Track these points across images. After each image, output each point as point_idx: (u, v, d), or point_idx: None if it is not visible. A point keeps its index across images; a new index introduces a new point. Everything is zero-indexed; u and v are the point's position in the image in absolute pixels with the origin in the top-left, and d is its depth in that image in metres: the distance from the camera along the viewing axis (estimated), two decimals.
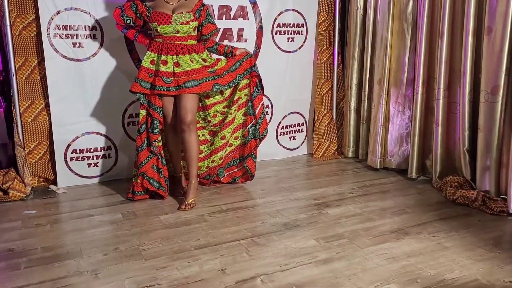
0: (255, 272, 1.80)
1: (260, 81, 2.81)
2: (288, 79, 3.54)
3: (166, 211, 2.48)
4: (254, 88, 2.78)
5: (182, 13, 2.48)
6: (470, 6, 2.51)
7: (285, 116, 3.62)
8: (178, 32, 2.48)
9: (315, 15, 3.51)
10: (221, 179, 2.93)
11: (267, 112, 3.48)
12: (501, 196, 2.52)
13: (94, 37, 2.81)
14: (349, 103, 3.52)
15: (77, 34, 2.77)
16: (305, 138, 3.76)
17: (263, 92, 2.84)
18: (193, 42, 2.56)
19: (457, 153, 2.78)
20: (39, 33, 2.68)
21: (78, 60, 2.79)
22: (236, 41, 3.25)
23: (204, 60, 2.58)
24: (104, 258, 1.94)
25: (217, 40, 3.16)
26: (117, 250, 2.01)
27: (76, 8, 2.74)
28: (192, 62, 2.52)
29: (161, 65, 2.47)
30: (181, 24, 2.46)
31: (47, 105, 2.77)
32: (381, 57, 3.13)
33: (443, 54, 2.71)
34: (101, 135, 2.93)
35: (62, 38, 2.73)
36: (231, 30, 3.23)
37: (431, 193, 2.76)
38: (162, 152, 2.61)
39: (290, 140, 3.70)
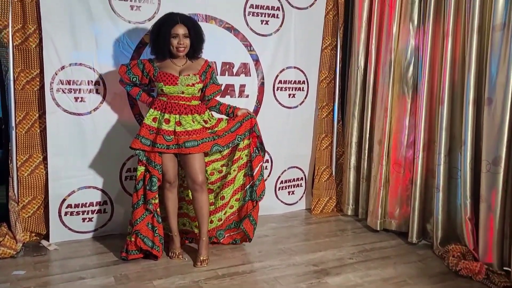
0: None
1: (261, 142, 2.80)
2: (289, 134, 3.55)
3: (160, 275, 2.40)
4: (254, 149, 2.76)
5: (189, 75, 2.51)
6: (470, 77, 2.54)
7: (284, 170, 3.60)
8: (183, 92, 2.51)
9: (316, 72, 3.56)
10: (221, 241, 2.85)
11: (266, 166, 3.46)
12: (505, 268, 2.46)
13: (96, 92, 2.83)
14: (348, 160, 3.51)
15: (80, 89, 2.78)
16: (304, 193, 3.72)
17: (264, 154, 2.82)
18: (196, 102, 2.58)
19: (459, 220, 2.74)
20: (42, 87, 2.70)
21: (79, 114, 2.79)
22: (238, 97, 3.28)
23: (206, 121, 2.60)
24: None
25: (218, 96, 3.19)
26: None
27: (80, 64, 2.76)
28: (194, 123, 2.53)
29: (163, 123, 2.48)
30: (186, 85, 2.50)
31: (44, 158, 2.75)
32: (382, 118, 3.15)
33: (443, 121, 2.73)
34: (97, 189, 2.89)
35: (64, 93, 2.74)
36: (233, 86, 3.26)
37: (432, 261, 2.70)
38: (158, 209, 2.57)
39: (289, 194, 3.66)
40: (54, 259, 2.58)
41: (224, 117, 2.76)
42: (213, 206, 2.79)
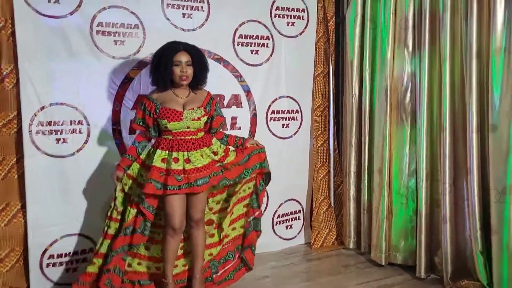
0: None
1: (269, 177, 2.68)
2: (284, 165, 3.39)
3: None
4: (261, 181, 2.65)
5: (193, 108, 2.38)
6: (472, 103, 2.44)
7: (281, 204, 3.44)
8: (188, 127, 2.37)
9: (309, 100, 3.45)
10: (214, 277, 2.65)
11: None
12: None
13: (79, 132, 2.67)
14: (348, 191, 3.36)
15: (61, 130, 2.62)
16: (302, 226, 3.55)
17: (266, 187, 2.73)
18: (202, 134, 2.45)
19: (469, 253, 2.59)
20: (19, 130, 2.52)
21: (61, 156, 2.62)
22: (230, 129, 3.14)
23: (215, 153, 2.46)
24: None
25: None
26: None
27: (62, 103, 2.61)
28: (203, 157, 2.39)
29: (172, 162, 2.32)
30: (192, 120, 2.36)
31: (23, 206, 2.54)
32: (380, 146, 3.03)
33: (446, 148, 2.61)
34: (83, 236, 2.69)
35: (45, 135, 2.57)
36: (224, 119, 3.11)
37: None
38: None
39: (287, 229, 3.48)
40: None
41: (231, 147, 2.62)
42: (216, 237, 2.67)
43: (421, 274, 2.79)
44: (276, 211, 3.41)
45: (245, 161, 2.55)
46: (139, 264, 2.52)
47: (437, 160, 2.75)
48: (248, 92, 3.21)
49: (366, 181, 3.21)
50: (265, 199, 3.32)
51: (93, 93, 2.69)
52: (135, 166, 2.41)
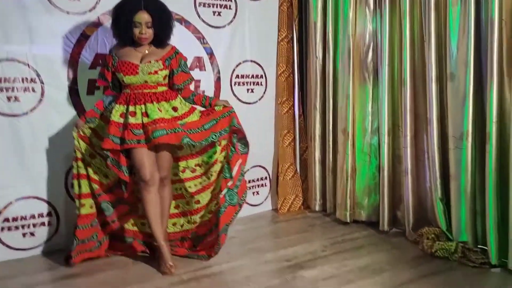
0: None
1: (243, 137, 2.49)
2: (249, 131, 3.30)
3: (118, 285, 2.13)
4: (231, 147, 2.45)
5: (150, 62, 2.28)
6: (431, 53, 2.50)
7: (248, 170, 3.42)
8: (146, 82, 2.28)
9: (274, 66, 3.44)
10: (197, 248, 2.55)
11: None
12: (479, 246, 2.40)
13: (33, 90, 2.53)
14: (313, 154, 3.38)
15: (13, 87, 2.47)
16: (269, 193, 3.55)
17: (247, 149, 2.52)
18: (163, 88, 2.34)
19: (430, 202, 2.67)
20: None
21: (13, 115, 2.48)
22: None
23: (175, 108, 2.33)
24: None
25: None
26: None
27: (13, 59, 2.47)
28: (161, 111, 2.28)
29: (129, 116, 2.23)
30: (149, 74, 2.26)
31: None
32: (344, 106, 3.06)
33: (407, 101, 2.67)
34: (39, 199, 2.57)
35: None
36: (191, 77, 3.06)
37: (407, 247, 2.60)
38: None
39: (254, 195, 3.47)
40: None
41: (198, 108, 2.49)
42: (189, 206, 2.57)
43: (384, 227, 2.85)
44: None
45: (211, 125, 2.41)
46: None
47: (399, 117, 2.81)
48: (211, 55, 3.16)
49: (331, 143, 3.24)
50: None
51: (46, 50, 2.56)
52: (98, 121, 2.36)
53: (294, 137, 3.56)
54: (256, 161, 3.44)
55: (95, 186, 2.36)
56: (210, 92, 3.17)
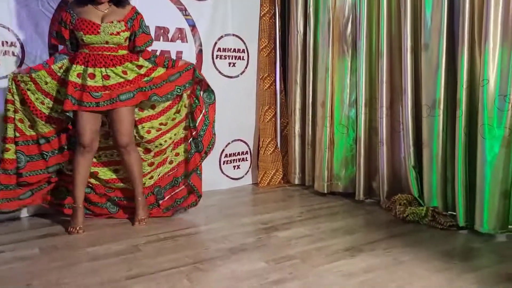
0: None
1: (207, 86, 2.61)
2: (230, 104, 3.40)
3: (93, 242, 2.16)
4: (194, 99, 2.58)
5: (112, 22, 2.27)
6: (407, 25, 2.57)
7: (228, 143, 3.46)
8: (107, 42, 2.27)
9: (255, 40, 3.48)
10: (160, 203, 2.62)
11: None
12: (449, 212, 2.48)
13: (13, 54, 2.53)
14: (293, 128, 3.44)
15: None
16: (249, 167, 3.60)
17: (214, 98, 2.65)
18: (124, 52, 2.35)
19: (403, 171, 2.75)
20: None
21: None
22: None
23: (139, 67, 2.36)
24: None
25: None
26: (29, 286, 1.66)
27: None
28: (126, 74, 2.30)
29: (88, 79, 2.23)
30: (110, 34, 2.26)
31: None
32: (323, 79, 3.12)
33: (383, 73, 2.73)
34: None
35: None
36: (169, 53, 3.08)
37: (379, 213, 2.68)
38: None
39: (234, 169, 3.52)
40: None
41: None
42: (153, 166, 2.59)
43: (360, 197, 2.93)
44: (223, 150, 3.43)
45: (176, 77, 2.46)
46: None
47: (376, 89, 2.88)
48: (193, 27, 3.18)
49: (310, 116, 3.30)
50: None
51: (27, 15, 2.56)
52: (43, 73, 2.30)
53: (275, 113, 3.61)
54: (237, 135, 3.49)
55: (17, 134, 2.31)
56: None
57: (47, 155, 2.37)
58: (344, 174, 3.10)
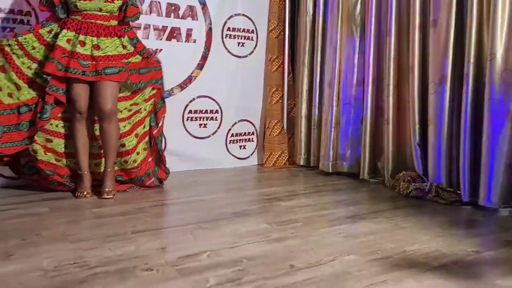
0: (200, 249, 1.58)
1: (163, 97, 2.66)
2: (239, 84, 3.45)
3: (100, 205, 2.20)
4: (159, 99, 2.61)
5: None
6: (416, 2, 2.57)
7: (235, 123, 3.49)
8: (100, 10, 2.27)
9: (265, 21, 3.50)
10: (147, 184, 2.58)
11: (215, 117, 3.36)
12: (455, 192, 2.48)
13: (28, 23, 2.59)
14: (300, 109, 3.46)
15: (8, 18, 2.53)
16: (255, 148, 3.62)
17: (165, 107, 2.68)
18: (115, 23, 2.36)
19: (409, 149, 2.75)
20: None
21: None
22: (185, 41, 3.14)
23: (123, 46, 2.37)
24: (21, 243, 1.63)
25: (164, 38, 3.05)
26: (38, 236, 1.70)
27: None
28: (113, 49, 2.30)
29: (78, 45, 2.22)
30: (105, 1, 2.26)
31: None
32: (331, 59, 3.14)
33: (391, 51, 2.74)
34: None
35: None
36: (180, 30, 3.13)
37: (383, 191, 2.69)
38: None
39: (240, 149, 3.55)
40: None
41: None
42: (124, 148, 2.48)
43: (364, 175, 2.94)
44: (229, 129, 3.46)
45: (145, 72, 2.47)
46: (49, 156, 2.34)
47: (383, 69, 2.89)
48: (203, 5, 3.21)
49: (317, 97, 3.32)
50: (218, 116, 3.38)
51: None
52: (30, 37, 2.26)
53: (282, 95, 3.64)
54: (243, 115, 3.52)
55: None
56: (201, 42, 3.23)
57: (26, 125, 2.27)
58: (349, 154, 3.12)
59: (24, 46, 2.25)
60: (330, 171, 3.13)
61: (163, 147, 2.71)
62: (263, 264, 1.44)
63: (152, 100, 2.59)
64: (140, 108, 2.56)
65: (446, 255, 1.56)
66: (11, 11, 2.54)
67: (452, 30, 2.39)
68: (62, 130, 2.35)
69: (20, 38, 2.24)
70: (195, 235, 1.75)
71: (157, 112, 2.62)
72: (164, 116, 2.68)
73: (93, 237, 1.69)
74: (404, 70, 2.77)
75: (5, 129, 2.23)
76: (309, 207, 2.22)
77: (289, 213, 2.11)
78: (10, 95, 2.26)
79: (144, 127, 2.60)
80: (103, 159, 2.42)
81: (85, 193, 2.32)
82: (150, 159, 2.63)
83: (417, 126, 2.63)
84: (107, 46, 2.27)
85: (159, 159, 2.67)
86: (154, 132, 2.62)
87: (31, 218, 1.95)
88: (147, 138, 2.63)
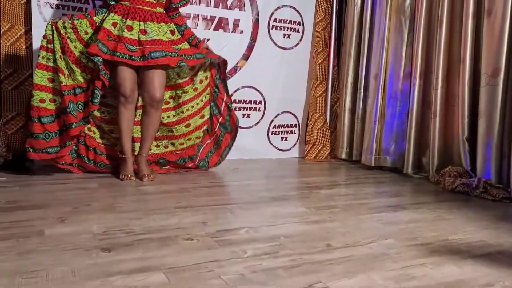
0: (239, 225, 1.62)
1: (225, 77, 2.73)
2: (283, 76, 3.47)
3: (146, 184, 2.30)
4: (214, 88, 2.71)
5: None
6: None
7: (278, 114, 3.52)
8: None
9: (312, 13, 3.50)
10: (189, 166, 2.71)
11: (258, 108, 3.39)
12: (505, 189, 2.37)
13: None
14: (343, 102, 3.43)
15: (67, 5, 2.70)
16: (297, 141, 3.63)
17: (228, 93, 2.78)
18: (161, 10, 2.40)
19: (456, 144, 2.66)
20: (28, 1, 2.61)
21: None
22: (232, 31, 3.21)
23: (172, 32, 2.41)
24: (73, 210, 1.74)
25: (212, 28, 3.13)
26: (88, 206, 1.81)
27: None
28: (160, 32, 2.34)
29: (125, 30, 2.26)
30: None
31: (30, 75, 2.64)
32: (378, 51, 3.09)
33: (441, 43, 2.66)
34: None
35: (52, 8, 2.65)
36: (227, 20, 3.19)
37: (427, 185, 2.62)
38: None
39: (282, 140, 3.57)
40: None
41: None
42: (174, 133, 2.63)
43: (408, 170, 2.87)
44: (272, 120, 3.49)
45: (201, 57, 2.48)
46: (100, 136, 2.48)
47: (432, 62, 2.81)
48: None
49: (362, 90, 3.28)
50: (262, 106, 3.41)
51: None
52: (85, 22, 2.32)
53: (327, 88, 3.62)
54: (286, 107, 3.54)
55: (64, 80, 2.26)
56: (248, 32, 3.28)
57: (81, 106, 2.33)
58: (393, 149, 3.05)
59: (78, 30, 2.30)
60: (373, 165, 3.08)
61: (234, 129, 2.81)
62: (300, 241, 1.46)
63: (208, 90, 2.69)
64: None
65: (491, 245, 1.51)
66: None
67: (508, 20, 2.29)
68: (102, 115, 2.46)
69: (76, 22, 2.29)
70: (235, 213, 1.79)
71: (215, 101, 2.74)
72: (226, 102, 2.76)
73: (138, 209, 1.78)
74: (454, 62, 2.68)
75: (78, 107, 2.30)
76: (349, 196, 2.21)
77: (328, 200, 2.11)
78: (68, 76, 2.36)
79: (201, 117, 2.71)
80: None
81: (129, 175, 2.38)
82: (208, 141, 2.76)
83: (466, 120, 2.55)
84: (154, 31, 2.32)
85: (218, 144, 2.78)
86: (220, 119, 2.76)
87: (82, 191, 2.07)
88: (205, 126, 2.76)
